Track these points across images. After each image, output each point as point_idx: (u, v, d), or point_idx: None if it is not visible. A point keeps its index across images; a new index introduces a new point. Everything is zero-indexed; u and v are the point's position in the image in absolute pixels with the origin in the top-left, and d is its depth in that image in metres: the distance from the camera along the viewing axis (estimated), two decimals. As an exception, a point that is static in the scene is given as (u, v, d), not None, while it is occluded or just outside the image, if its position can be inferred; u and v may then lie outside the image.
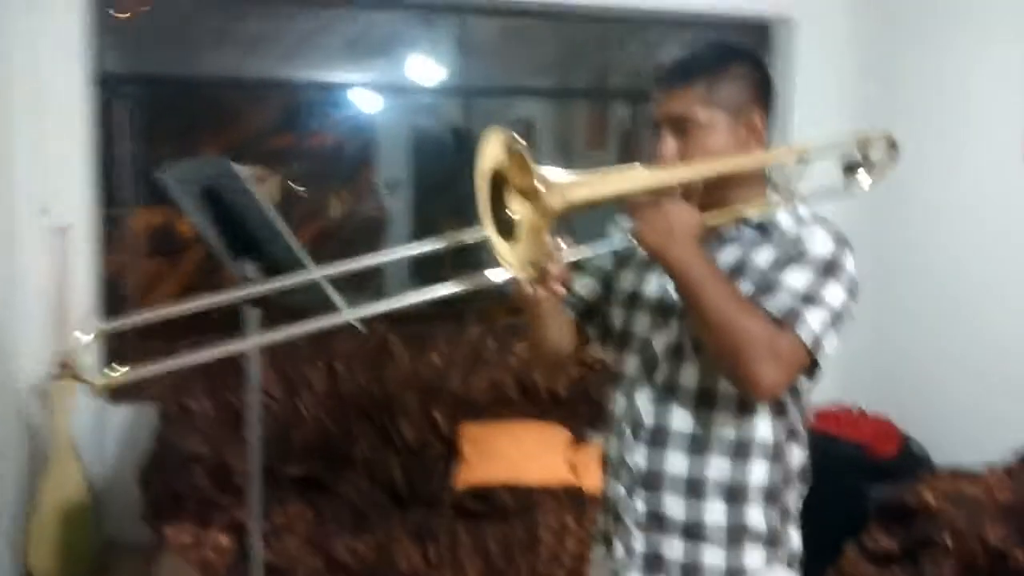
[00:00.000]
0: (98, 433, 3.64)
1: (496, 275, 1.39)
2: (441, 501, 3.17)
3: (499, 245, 1.34)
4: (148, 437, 3.33)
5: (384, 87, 5.34)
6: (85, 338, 1.40)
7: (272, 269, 1.80)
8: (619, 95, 5.43)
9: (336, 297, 1.61)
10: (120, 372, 1.21)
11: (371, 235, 6.31)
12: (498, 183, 1.33)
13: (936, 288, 3.52)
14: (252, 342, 1.72)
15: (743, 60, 1.48)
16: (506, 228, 1.33)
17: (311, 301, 1.75)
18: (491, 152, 1.32)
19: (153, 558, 2.89)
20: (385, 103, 5.75)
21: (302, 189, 5.61)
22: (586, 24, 4.30)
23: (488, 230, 1.35)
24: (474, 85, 4.63)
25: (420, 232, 5.71)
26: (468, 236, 1.44)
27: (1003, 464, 2.61)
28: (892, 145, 1.50)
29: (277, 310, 1.79)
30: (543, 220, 1.26)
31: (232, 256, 1.87)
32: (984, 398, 3.26)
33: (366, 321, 3.54)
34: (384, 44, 4.95)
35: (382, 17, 4.54)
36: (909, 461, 3.33)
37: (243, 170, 1.67)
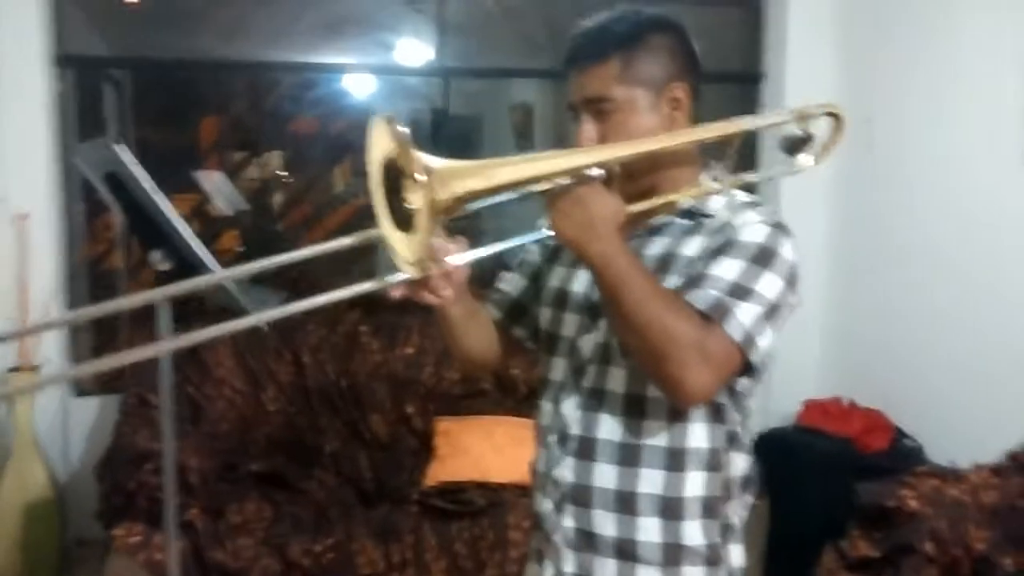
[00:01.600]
0: (62, 426, 3.53)
1: (399, 276, 1.26)
2: (408, 498, 3.04)
3: (392, 239, 1.21)
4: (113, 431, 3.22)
5: (373, 69, 5.20)
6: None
7: (183, 263, 1.67)
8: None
9: (243, 299, 1.48)
10: None
11: (359, 221, 6.20)
12: (396, 173, 1.20)
13: (934, 277, 3.36)
14: (163, 346, 1.59)
15: (661, 30, 1.34)
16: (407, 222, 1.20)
17: (229, 297, 1.62)
18: (379, 141, 1.19)
19: (104, 558, 2.79)
20: (374, 87, 5.60)
21: (285, 174, 5.50)
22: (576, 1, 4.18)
23: (382, 223, 1.22)
24: (465, 67, 4.48)
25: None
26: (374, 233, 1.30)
27: (990, 463, 2.45)
28: (837, 119, 1.34)
29: (194, 306, 1.67)
30: (430, 214, 1.12)
31: (146, 246, 1.73)
32: (980, 391, 3.12)
33: (334, 309, 3.41)
34: (371, 24, 4.82)
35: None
36: (901, 456, 3.16)
37: (129, 157, 1.53)
